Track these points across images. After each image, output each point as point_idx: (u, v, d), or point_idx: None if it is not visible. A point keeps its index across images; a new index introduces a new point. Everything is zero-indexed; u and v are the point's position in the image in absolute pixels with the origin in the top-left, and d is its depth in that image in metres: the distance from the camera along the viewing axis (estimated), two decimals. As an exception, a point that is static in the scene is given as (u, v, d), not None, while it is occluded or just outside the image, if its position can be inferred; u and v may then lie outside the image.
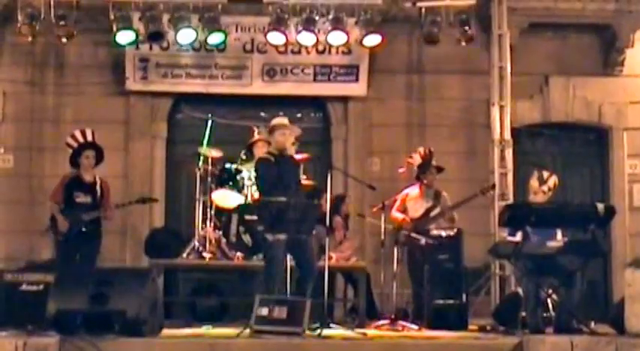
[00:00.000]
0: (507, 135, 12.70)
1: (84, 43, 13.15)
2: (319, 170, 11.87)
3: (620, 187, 13.86)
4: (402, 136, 13.66)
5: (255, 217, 10.60)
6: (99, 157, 11.13)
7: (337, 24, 12.66)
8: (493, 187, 11.90)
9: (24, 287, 9.12)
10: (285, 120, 9.98)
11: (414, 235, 11.01)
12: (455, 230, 10.97)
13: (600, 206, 9.29)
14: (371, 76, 13.56)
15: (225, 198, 11.28)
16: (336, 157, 13.62)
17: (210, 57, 13.39)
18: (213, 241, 11.14)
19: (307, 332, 8.63)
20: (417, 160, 11.59)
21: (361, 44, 12.98)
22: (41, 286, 9.05)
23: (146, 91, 13.54)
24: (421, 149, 11.68)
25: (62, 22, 12.36)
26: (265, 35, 12.89)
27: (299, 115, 13.76)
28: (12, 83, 13.47)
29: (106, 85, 13.59)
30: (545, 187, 9.81)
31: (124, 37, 12.59)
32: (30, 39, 12.58)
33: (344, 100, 13.84)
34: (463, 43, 12.90)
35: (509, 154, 12.65)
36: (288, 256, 9.48)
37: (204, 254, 11.05)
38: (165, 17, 12.60)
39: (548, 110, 13.97)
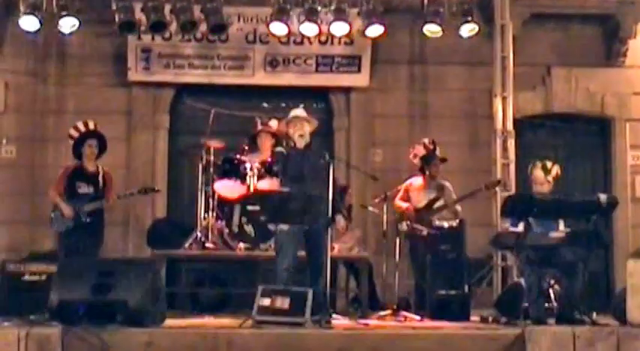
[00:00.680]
0: (510, 126, 12.69)
1: (86, 33, 13.12)
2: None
3: (623, 178, 13.87)
4: (405, 127, 13.67)
5: (257, 208, 10.63)
6: (102, 147, 11.13)
7: (339, 14, 12.64)
8: (498, 182, 11.87)
9: (26, 277, 9.15)
10: (298, 111, 9.99)
11: (416, 225, 11.00)
12: (457, 221, 10.97)
13: (602, 197, 9.29)
14: (373, 67, 13.57)
15: (228, 188, 11.27)
16: (339, 148, 13.62)
17: (212, 47, 13.39)
18: (216, 232, 11.15)
19: (309, 323, 8.64)
20: (420, 151, 11.58)
21: (363, 35, 12.97)
22: (43, 277, 9.08)
23: (148, 81, 13.55)
24: (425, 140, 11.66)
25: (64, 13, 12.34)
26: (267, 26, 12.87)
27: (301, 105, 13.68)
28: (14, 74, 13.47)
29: (108, 75, 13.60)
30: (549, 177, 9.82)
31: (126, 27, 12.57)
32: (32, 30, 12.57)
33: (346, 90, 13.84)
34: (465, 34, 12.87)
35: (511, 145, 12.64)
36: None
37: (207, 245, 11.05)
38: (167, 7, 12.58)
39: (550, 101, 13.97)
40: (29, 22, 12.26)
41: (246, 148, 11.59)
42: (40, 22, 12.23)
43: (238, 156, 11.34)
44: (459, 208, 11.36)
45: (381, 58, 13.62)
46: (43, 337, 7.75)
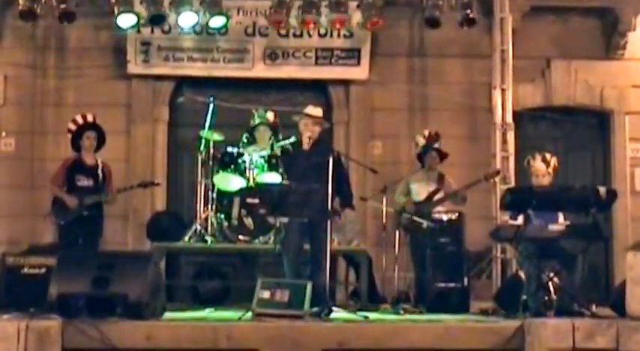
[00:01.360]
0: (509, 119, 12.69)
1: (85, 26, 13.13)
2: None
3: (622, 171, 13.87)
4: (404, 120, 13.66)
5: (256, 201, 10.64)
6: (100, 139, 11.13)
7: (339, 7, 12.64)
8: (497, 173, 11.86)
9: (26, 270, 9.14)
10: (314, 110, 9.97)
11: (415, 218, 11.00)
12: (457, 214, 10.96)
13: (602, 190, 9.29)
14: (373, 60, 13.55)
15: (227, 181, 11.28)
16: (338, 141, 13.61)
17: (211, 40, 13.38)
18: (215, 225, 11.16)
19: (309, 315, 8.65)
20: (420, 141, 11.57)
21: (363, 27, 12.96)
22: (43, 270, 9.06)
23: (148, 74, 13.54)
24: (426, 131, 11.65)
25: (63, 5, 12.32)
26: (267, 18, 12.87)
27: (300, 98, 13.74)
28: (13, 67, 13.46)
29: (108, 68, 13.58)
30: (550, 169, 9.84)
31: (126, 20, 12.56)
32: (31, 22, 12.56)
33: (345, 83, 13.83)
34: (465, 27, 12.88)
35: (510, 137, 12.64)
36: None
37: (206, 237, 11.07)
38: (167, 0, 12.57)
39: (549, 94, 13.96)
40: (28, 15, 12.26)
41: (245, 140, 11.61)
42: (38, 14, 12.23)
43: (237, 149, 11.34)
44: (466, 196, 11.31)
45: (381, 50, 13.60)
46: (42, 329, 7.75)
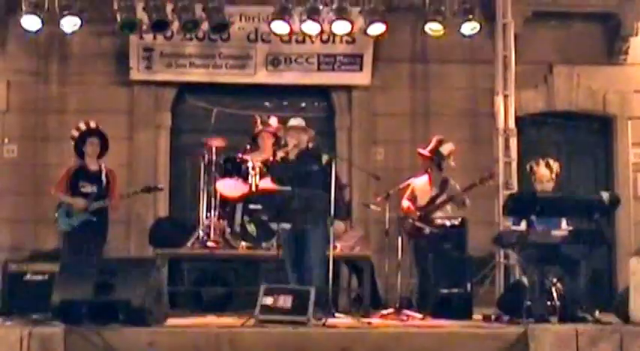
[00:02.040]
0: (512, 124, 12.66)
1: (88, 33, 13.12)
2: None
3: (625, 176, 13.87)
4: (406, 126, 13.67)
5: (259, 207, 10.64)
6: (104, 145, 11.13)
7: (341, 13, 12.64)
8: (492, 176, 11.78)
9: (28, 277, 9.15)
10: (295, 121, 10.02)
11: (418, 224, 10.99)
12: (459, 219, 10.95)
13: (605, 195, 9.28)
14: (375, 65, 13.56)
15: (230, 187, 11.27)
16: (340, 147, 13.62)
17: (214, 46, 13.40)
18: (218, 231, 11.15)
19: (312, 321, 8.65)
20: (430, 147, 11.54)
21: (365, 33, 12.97)
22: (46, 276, 9.08)
23: (150, 80, 13.55)
24: (436, 137, 11.60)
25: (66, 12, 12.35)
26: (269, 24, 12.87)
27: (303, 104, 13.77)
28: (16, 73, 13.48)
29: (110, 74, 13.60)
30: (554, 175, 9.84)
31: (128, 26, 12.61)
32: (34, 29, 12.58)
33: (348, 89, 13.84)
34: (467, 32, 12.88)
35: (513, 143, 12.61)
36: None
37: (209, 244, 11.06)
38: (169, 7, 12.59)
39: (552, 99, 13.97)
40: (31, 22, 12.28)
41: (248, 147, 11.61)
42: (42, 21, 12.25)
43: (240, 155, 11.34)
44: (467, 201, 11.29)
45: (383, 56, 13.61)
46: (45, 336, 7.76)
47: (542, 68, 13.95)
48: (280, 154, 10.11)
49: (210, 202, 11.34)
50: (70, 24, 12.38)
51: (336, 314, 9.38)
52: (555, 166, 9.97)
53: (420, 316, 10.06)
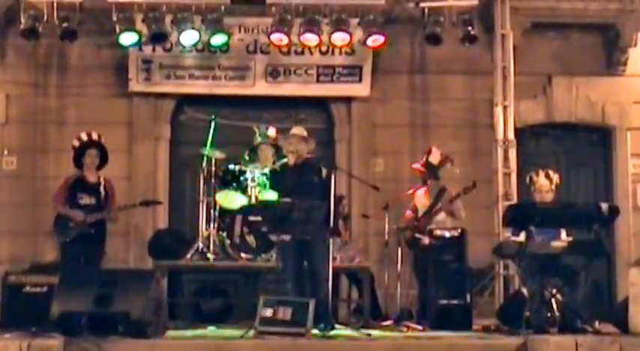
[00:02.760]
0: (511, 135, 12.67)
1: (87, 44, 13.16)
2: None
3: (624, 187, 13.86)
4: (406, 137, 13.68)
5: (259, 218, 10.63)
6: (103, 157, 11.11)
7: (340, 25, 12.68)
8: (474, 185, 11.70)
9: (28, 289, 9.14)
10: (295, 130, 10.01)
11: (417, 235, 11.00)
12: (459, 230, 10.95)
13: (604, 206, 9.28)
14: (374, 77, 13.57)
15: (229, 199, 11.28)
16: (340, 158, 13.62)
17: (213, 58, 13.41)
18: (217, 242, 11.15)
19: (312, 333, 8.64)
20: (426, 159, 11.55)
21: (364, 45, 12.99)
22: (45, 288, 9.06)
23: (149, 92, 13.57)
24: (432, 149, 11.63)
25: (65, 24, 12.38)
26: (268, 36, 12.90)
27: (302, 116, 13.77)
28: (15, 85, 13.49)
29: (110, 86, 13.61)
30: (553, 186, 9.85)
31: (128, 38, 12.62)
32: (33, 41, 12.59)
33: (347, 100, 13.85)
34: (466, 44, 12.91)
35: (512, 154, 12.61)
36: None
37: (208, 255, 11.05)
38: (168, 18, 12.63)
39: (551, 110, 13.98)
40: (30, 34, 12.30)
41: (247, 158, 11.62)
42: (40, 33, 12.27)
43: (239, 167, 11.35)
44: (458, 213, 11.29)
45: (382, 68, 13.63)
46: (44, 348, 7.75)
47: (541, 79, 13.96)
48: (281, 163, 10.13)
49: (210, 214, 11.34)
50: (69, 36, 12.41)
51: (336, 325, 9.37)
52: (555, 177, 9.99)
53: (419, 327, 10.05)
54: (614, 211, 9.41)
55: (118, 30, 12.49)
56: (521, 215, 9.45)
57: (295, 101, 13.75)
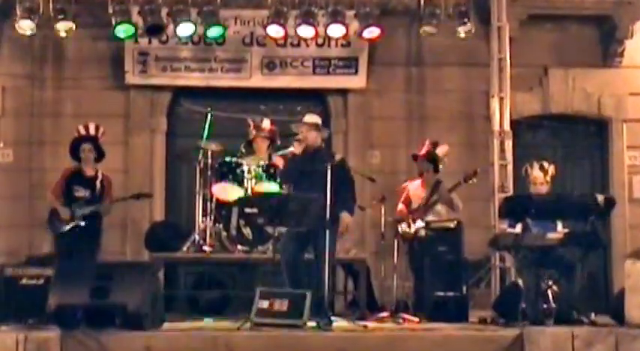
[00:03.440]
0: (507, 127, 12.66)
1: (83, 37, 13.14)
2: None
3: (620, 179, 13.86)
4: (402, 129, 13.66)
5: (255, 211, 10.63)
6: (99, 151, 11.12)
7: (336, 17, 12.67)
8: (475, 173, 11.71)
9: (24, 281, 9.12)
10: (307, 118, 9.98)
11: (412, 225, 10.99)
12: (455, 222, 10.95)
13: (600, 198, 9.30)
14: (370, 69, 13.56)
15: (226, 191, 11.27)
16: (336, 150, 13.57)
17: (209, 50, 13.40)
18: (214, 235, 11.15)
19: (308, 325, 8.65)
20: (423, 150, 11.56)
21: (360, 37, 12.99)
22: (42, 281, 9.05)
23: (145, 84, 13.55)
24: (428, 140, 11.63)
25: (61, 16, 12.36)
26: (264, 28, 12.89)
27: (298, 108, 13.75)
28: (11, 78, 13.46)
29: (106, 79, 13.59)
30: (548, 177, 9.85)
31: (123, 30, 12.61)
32: (29, 33, 12.57)
33: (343, 92, 13.83)
34: (462, 35, 12.91)
35: (508, 145, 12.61)
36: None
37: (205, 248, 11.05)
38: (164, 11, 12.61)
39: (547, 102, 13.97)
40: (26, 26, 12.30)
41: (243, 151, 11.61)
42: (36, 25, 12.26)
43: (236, 159, 11.34)
44: (457, 203, 11.28)
45: (378, 59, 13.62)
46: (41, 341, 7.77)
47: (538, 71, 13.95)
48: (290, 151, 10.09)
49: (206, 206, 11.33)
50: (64, 28, 12.41)
51: (333, 317, 9.37)
52: (550, 168, 10.00)
53: (416, 319, 10.05)
54: (610, 203, 9.43)
55: (114, 22, 12.47)
56: (517, 207, 9.47)
57: (291, 93, 13.74)
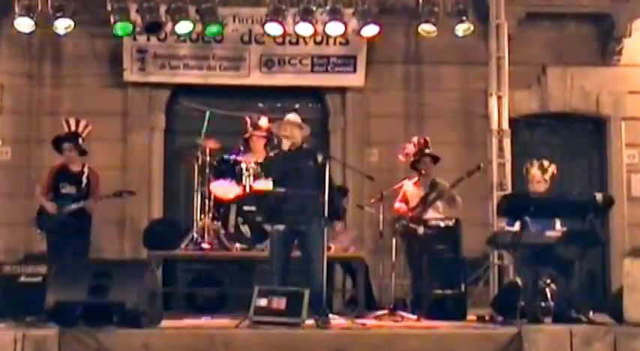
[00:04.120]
0: (505, 125, 12.67)
1: (81, 34, 13.12)
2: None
3: (619, 177, 13.88)
4: (400, 127, 13.66)
5: (253, 208, 10.64)
6: (80, 149, 11.07)
7: (335, 15, 12.66)
8: (479, 168, 11.68)
9: (22, 279, 9.12)
10: (290, 116, 9.96)
11: (412, 225, 10.99)
12: (453, 220, 10.95)
13: (599, 196, 9.29)
14: (369, 67, 13.57)
15: (224, 189, 11.27)
16: (334, 148, 13.62)
17: (207, 48, 13.40)
18: (212, 232, 11.15)
19: (306, 323, 8.65)
20: (410, 149, 11.56)
21: (359, 35, 12.98)
22: (40, 278, 9.05)
23: (144, 82, 13.54)
24: (415, 139, 11.65)
25: (59, 14, 12.35)
26: (263, 26, 12.87)
27: (297, 105, 13.74)
28: (9, 75, 13.46)
29: (104, 76, 13.59)
30: (546, 176, 9.84)
31: (122, 28, 12.59)
32: (27, 31, 12.56)
33: (342, 90, 13.84)
34: (460, 34, 12.90)
35: (507, 144, 12.62)
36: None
37: (203, 245, 11.05)
38: (163, 8, 12.59)
39: (546, 100, 13.98)
40: (24, 24, 12.29)
41: (241, 148, 11.61)
42: (34, 23, 12.25)
43: (234, 156, 11.34)
44: (458, 198, 11.28)
45: (377, 58, 13.62)
46: (39, 338, 7.75)
47: (536, 69, 13.96)
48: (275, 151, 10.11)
49: (205, 204, 11.34)
50: (63, 26, 12.40)
51: (331, 315, 9.37)
52: (550, 168, 9.97)
53: (414, 317, 10.07)
54: (609, 201, 9.42)
55: (112, 20, 12.46)
56: (515, 205, 9.46)
57: (290, 91, 13.74)
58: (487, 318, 9.83)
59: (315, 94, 13.99)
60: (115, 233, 13.00)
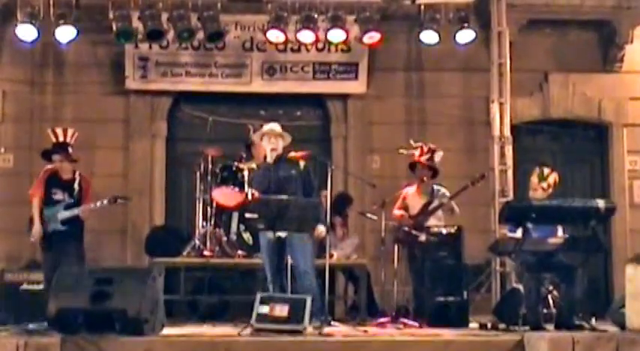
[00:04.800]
0: (507, 132, 12.68)
1: (83, 42, 13.12)
2: (319, 168, 11.85)
3: (621, 184, 13.87)
4: (402, 134, 13.62)
5: (255, 216, 10.62)
6: (70, 158, 10.98)
7: (336, 22, 12.68)
8: (483, 177, 11.69)
9: (25, 286, 9.15)
10: (273, 125, 9.94)
11: (414, 232, 10.98)
12: (455, 227, 10.94)
13: (601, 203, 9.28)
14: (370, 74, 13.58)
15: (226, 196, 11.27)
16: (336, 155, 13.62)
17: (209, 55, 13.41)
18: (214, 240, 11.15)
19: (308, 330, 8.64)
20: (415, 155, 11.55)
21: (360, 42, 12.99)
22: (42, 286, 9.06)
23: (146, 89, 13.55)
24: (423, 146, 11.61)
25: (61, 21, 12.36)
26: (265, 33, 12.89)
27: (298, 113, 13.78)
28: (11, 83, 13.47)
29: (106, 84, 13.60)
30: (544, 184, 9.81)
31: (124, 35, 12.61)
32: (30, 39, 12.57)
33: (343, 97, 13.85)
34: (462, 41, 12.91)
35: (509, 151, 12.63)
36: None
37: (205, 252, 11.06)
38: (165, 16, 12.61)
39: (547, 107, 13.98)
40: (26, 31, 12.31)
41: (243, 156, 11.61)
42: (37, 30, 12.27)
43: (236, 163, 11.34)
44: (456, 208, 11.28)
45: (378, 65, 13.63)
46: (41, 346, 7.75)
47: (538, 76, 13.97)
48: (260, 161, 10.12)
49: (207, 211, 11.35)
50: (65, 33, 12.41)
51: (333, 322, 9.36)
52: (551, 176, 9.93)
53: (416, 324, 10.05)
54: (611, 208, 9.41)
55: (114, 27, 12.48)
56: (517, 212, 9.45)
57: (292, 98, 13.76)
58: (489, 325, 9.81)
59: (317, 101, 14.00)
60: (117, 240, 12.99)
